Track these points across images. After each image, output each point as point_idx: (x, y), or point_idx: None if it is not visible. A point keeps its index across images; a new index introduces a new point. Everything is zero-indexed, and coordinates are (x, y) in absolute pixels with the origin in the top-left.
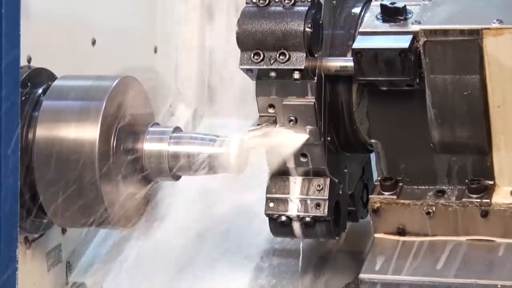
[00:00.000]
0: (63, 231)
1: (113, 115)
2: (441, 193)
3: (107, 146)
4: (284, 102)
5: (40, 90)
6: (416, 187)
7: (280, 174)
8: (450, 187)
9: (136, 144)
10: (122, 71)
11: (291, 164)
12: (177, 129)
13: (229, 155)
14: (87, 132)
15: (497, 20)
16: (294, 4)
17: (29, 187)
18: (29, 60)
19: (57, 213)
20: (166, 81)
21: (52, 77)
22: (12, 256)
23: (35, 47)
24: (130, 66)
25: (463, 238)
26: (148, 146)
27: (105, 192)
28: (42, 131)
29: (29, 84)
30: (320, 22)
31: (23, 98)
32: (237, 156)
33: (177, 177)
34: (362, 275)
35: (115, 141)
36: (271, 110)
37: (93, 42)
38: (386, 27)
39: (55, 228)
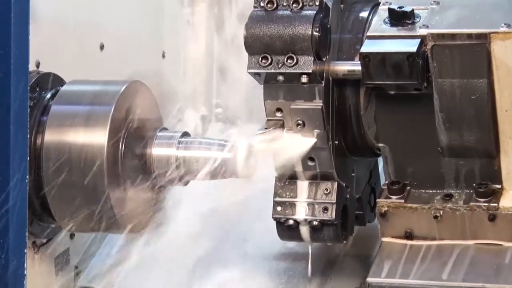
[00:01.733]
0: (71, 236)
1: (122, 120)
2: (448, 197)
3: (116, 151)
4: (291, 106)
5: (48, 95)
6: (423, 191)
7: (288, 178)
8: (458, 191)
9: (145, 149)
10: (130, 76)
11: (298, 168)
12: (185, 134)
13: (238, 160)
14: (95, 137)
15: (505, 24)
16: (302, 8)
17: (37, 192)
18: (37, 65)
19: (66, 218)
20: (174, 86)
21: (60, 81)
22: (20, 260)
23: (44, 52)
24: (138, 71)
25: (470, 242)
26: (157, 151)
27: (113, 197)
28: (51, 136)
29: (37, 88)
30: (328, 26)
31: (31, 103)
32: (246, 161)
33: (185, 182)
34: (369, 279)
35: (123, 146)
36: (278, 114)
37: (101, 47)
38: (393, 31)
39: (63, 233)
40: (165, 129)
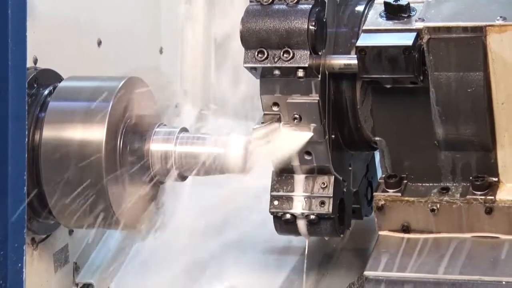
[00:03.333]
0: (70, 232)
1: (120, 116)
2: (445, 190)
3: (114, 147)
4: (288, 100)
5: (46, 91)
6: (420, 184)
7: (285, 172)
8: (455, 184)
9: (143, 144)
10: (128, 72)
11: (295, 162)
12: (183, 130)
13: (236, 155)
14: (93, 133)
15: (500, 17)
16: (297, 2)
17: (36, 188)
18: (35, 61)
19: (64, 214)
20: (171, 82)
21: (58, 78)
22: (19, 257)
23: (41, 48)
24: (136, 66)
25: (467, 235)
26: (155, 146)
27: (112, 193)
28: (49, 132)
29: (35, 85)
30: (324, 20)
31: (29, 99)
32: (244, 156)
33: (183, 178)
34: (367, 273)
35: (121, 142)
36: (275, 108)
37: (99, 43)
38: (389, 24)
39: (62, 229)
40: (163, 124)
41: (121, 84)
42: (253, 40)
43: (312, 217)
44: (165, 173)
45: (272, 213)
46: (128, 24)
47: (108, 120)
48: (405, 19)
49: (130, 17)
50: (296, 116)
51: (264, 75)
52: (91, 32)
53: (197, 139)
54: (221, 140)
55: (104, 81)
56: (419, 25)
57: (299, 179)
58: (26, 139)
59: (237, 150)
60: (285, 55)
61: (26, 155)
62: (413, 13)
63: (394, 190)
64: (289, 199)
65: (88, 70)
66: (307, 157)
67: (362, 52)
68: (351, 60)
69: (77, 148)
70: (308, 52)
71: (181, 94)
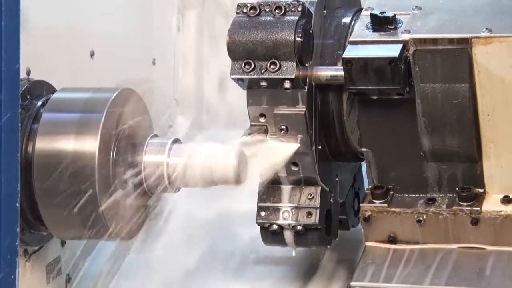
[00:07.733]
0: (63, 243)
1: (113, 127)
2: (431, 201)
3: (107, 158)
4: (275, 111)
5: (39, 103)
6: (406, 195)
7: (271, 183)
8: (441, 195)
9: (136, 156)
10: (121, 83)
11: (282, 173)
12: (176, 141)
13: (230, 166)
14: (86, 145)
15: (486, 29)
16: (284, 14)
17: (28, 199)
18: (28, 73)
19: (57, 225)
20: (164, 93)
21: (51, 89)
22: (12, 268)
23: (34, 60)
24: (128, 78)
25: (453, 246)
26: (148, 158)
27: (104, 205)
28: (42, 144)
29: (28, 96)
30: (311, 31)
31: (22, 110)
32: (238, 167)
33: (176, 189)
34: (353, 283)
35: (114, 153)
36: (262, 119)
37: (92, 54)
38: (376, 36)
39: (55, 240)
40: (156, 135)
41: (114, 96)
42: (240, 52)
43: (299, 228)
44: (158, 184)
45: (259, 224)
46: (121, 36)
47: (101, 132)
48: (391, 31)
49: (123, 28)
50: (283, 127)
51: (251, 86)
52: (84, 44)
53: (190, 150)
54: (214, 151)
55: (97, 93)
56: (405, 36)
57: (286, 190)
58: (19, 151)
59: (232, 161)
60: (271, 66)
61: (19, 167)
62: (399, 24)
63: (381, 201)
64: (276, 210)
65: (81, 81)
66: (294, 168)
67: (348, 63)
68: (338, 71)
69: (70, 160)
70: (295, 64)
71: (174, 105)
